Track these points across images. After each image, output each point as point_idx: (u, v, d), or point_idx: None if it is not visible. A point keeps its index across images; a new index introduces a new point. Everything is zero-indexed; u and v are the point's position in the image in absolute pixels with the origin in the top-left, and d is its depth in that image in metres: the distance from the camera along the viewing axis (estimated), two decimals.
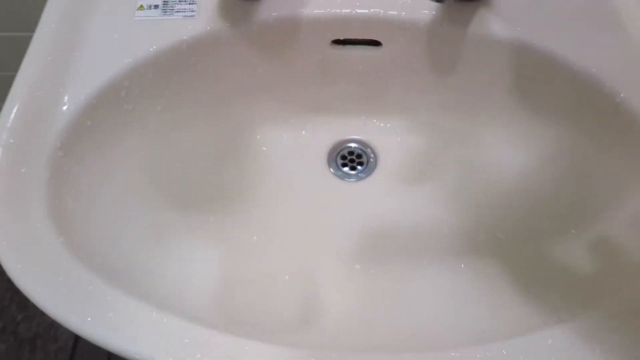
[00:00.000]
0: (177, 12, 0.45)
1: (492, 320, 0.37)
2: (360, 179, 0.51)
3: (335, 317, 0.40)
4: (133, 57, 0.43)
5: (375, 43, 0.47)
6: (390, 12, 0.45)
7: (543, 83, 0.43)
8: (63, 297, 0.32)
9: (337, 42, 0.47)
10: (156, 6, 0.46)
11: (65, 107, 0.40)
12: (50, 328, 0.99)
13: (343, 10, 0.45)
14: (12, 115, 0.39)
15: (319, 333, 0.38)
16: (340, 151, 0.52)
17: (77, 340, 0.97)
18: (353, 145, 0.53)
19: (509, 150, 0.48)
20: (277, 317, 0.40)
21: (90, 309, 0.32)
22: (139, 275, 0.38)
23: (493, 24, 0.43)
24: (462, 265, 0.44)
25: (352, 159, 0.52)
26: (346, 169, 0.52)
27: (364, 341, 0.37)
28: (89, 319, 0.31)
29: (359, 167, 0.52)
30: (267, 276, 0.43)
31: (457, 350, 0.30)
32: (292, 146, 0.52)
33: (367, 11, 0.45)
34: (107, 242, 0.39)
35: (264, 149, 0.52)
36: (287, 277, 0.44)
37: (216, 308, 0.39)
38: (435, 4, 0.43)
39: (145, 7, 0.46)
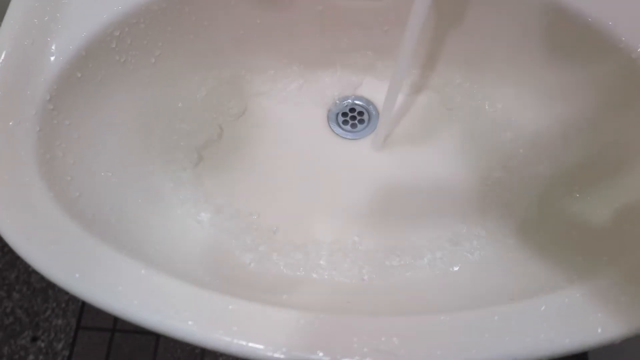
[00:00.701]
0: None
1: (490, 285, 0.37)
2: (361, 136, 0.50)
3: (328, 279, 0.40)
4: (123, 5, 0.41)
5: None
6: None
7: (555, 37, 0.41)
8: (52, 252, 0.32)
9: None
10: None
11: (53, 58, 0.39)
12: None
13: None
14: None
15: (310, 294, 0.37)
16: (341, 108, 0.50)
17: None
18: (355, 101, 0.51)
19: (518, 109, 0.46)
20: (270, 276, 0.40)
21: (79, 265, 0.32)
22: (131, 230, 0.38)
23: None
24: (463, 227, 0.43)
25: (353, 116, 0.50)
26: (347, 126, 0.50)
27: (356, 304, 0.36)
28: (77, 275, 0.31)
29: (360, 125, 0.50)
30: (261, 234, 0.43)
31: (448, 314, 0.29)
32: (291, 102, 0.50)
33: None
34: (99, 196, 0.39)
35: (262, 103, 0.50)
36: (281, 235, 0.43)
37: (208, 265, 0.38)
38: None
39: None
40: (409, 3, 0.43)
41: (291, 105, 0.50)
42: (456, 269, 0.40)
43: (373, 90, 0.51)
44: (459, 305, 0.32)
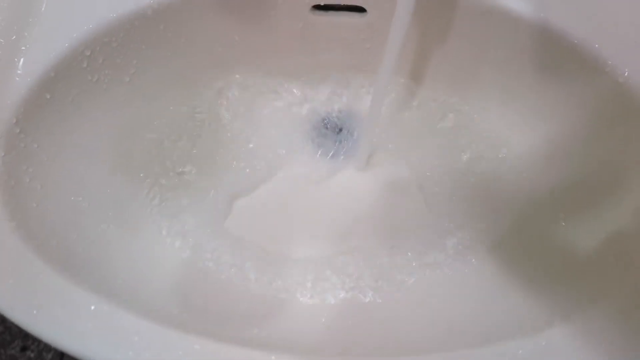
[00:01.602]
0: None
1: (466, 318, 0.35)
2: (343, 154, 0.48)
3: (302, 314, 0.38)
4: (94, 24, 0.39)
5: (360, 9, 0.43)
6: None
7: (541, 58, 0.39)
8: (9, 287, 0.31)
9: (318, 7, 0.43)
10: None
11: (20, 80, 0.37)
12: None
13: None
14: None
15: (281, 330, 0.36)
16: (323, 124, 0.49)
17: None
18: (337, 118, 0.49)
19: (503, 128, 0.45)
20: (243, 306, 0.38)
21: (38, 301, 0.30)
22: (98, 259, 0.37)
23: None
24: (443, 252, 0.41)
25: (335, 133, 0.49)
26: (329, 143, 0.48)
27: (328, 343, 0.35)
28: (35, 312, 0.30)
29: (342, 142, 0.49)
30: (236, 264, 0.41)
31: (421, 356, 0.28)
32: (271, 119, 0.49)
33: None
34: (67, 223, 0.38)
35: (242, 121, 0.49)
36: (256, 266, 0.42)
37: (178, 297, 0.37)
38: None
39: None
40: (390, 19, 0.41)
41: (271, 122, 0.49)
42: (433, 296, 0.39)
43: (355, 107, 0.49)
44: (434, 343, 0.31)
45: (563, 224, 0.38)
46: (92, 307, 0.30)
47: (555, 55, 0.38)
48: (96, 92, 0.41)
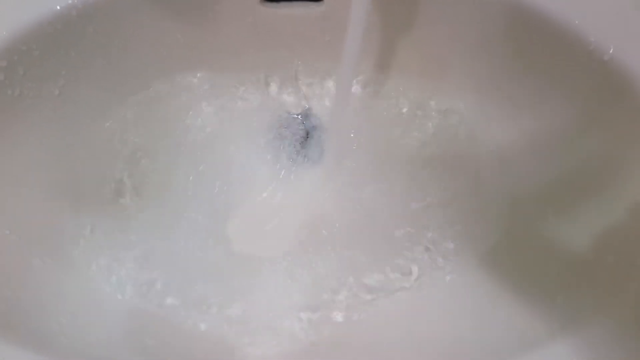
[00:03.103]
0: None
1: (456, 336, 0.31)
2: (305, 160, 0.44)
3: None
4: (8, 30, 0.34)
5: None
6: None
7: (516, 40, 0.36)
8: None
9: None
10: None
11: None
12: None
13: None
14: None
15: None
16: (281, 129, 0.44)
17: None
18: (299, 119, 0.45)
19: (480, 121, 0.41)
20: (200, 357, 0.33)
21: None
22: (30, 305, 0.32)
23: None
24: (431, 269, 0.37)
25: (295, 138, 0.44)
26: (289, 149, 0.44)
27: None
28: None
29: (303, 147, 0.44)
30: (193, 303, 0.36)
31: None
32: (226, 124, 0.44)
33: None
34: None
35: (193, 128, 0.44)
36: (216, 304, 0.36)
37: (129, 346, 0.32)
38: None
39: None
40: (349, 8, 0.37)
41: (226, 128, 0.44)
42: (418, 312, 0.35)
43: (318, 106, 0.45)
44: None
45: (551, 218, 0.34)
46: None
47: (532, 36, 0.35)
48: (19, 108, 0.36)
